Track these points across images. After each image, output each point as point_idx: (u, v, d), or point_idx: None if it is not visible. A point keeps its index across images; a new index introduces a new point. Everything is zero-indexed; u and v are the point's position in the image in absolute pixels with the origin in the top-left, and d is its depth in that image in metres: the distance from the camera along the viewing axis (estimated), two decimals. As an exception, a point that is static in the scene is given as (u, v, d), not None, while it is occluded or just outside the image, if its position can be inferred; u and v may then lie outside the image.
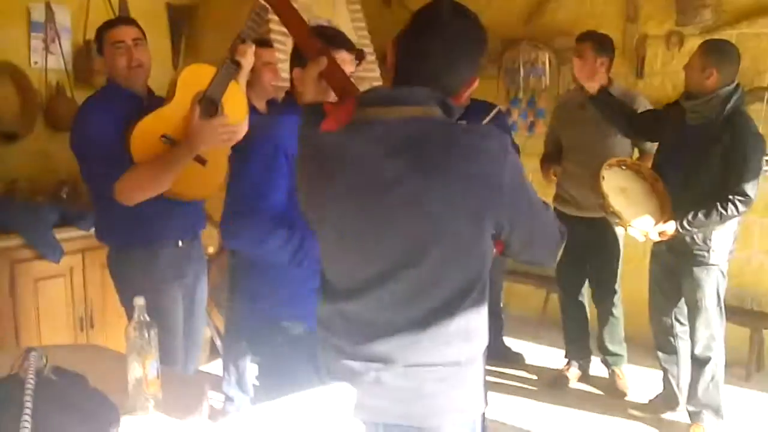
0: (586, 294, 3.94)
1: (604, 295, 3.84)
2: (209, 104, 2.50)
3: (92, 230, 2.96)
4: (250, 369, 3.04)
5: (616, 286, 3.82)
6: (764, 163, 3.80)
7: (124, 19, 2.72)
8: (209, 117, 2.49)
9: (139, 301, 1.75)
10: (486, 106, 3.92)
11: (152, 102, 2.61)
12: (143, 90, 2.64)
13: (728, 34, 4.09)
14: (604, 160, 3.22)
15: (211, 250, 3.56)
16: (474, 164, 1.36)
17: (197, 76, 2.52)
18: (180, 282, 2.70)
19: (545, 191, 4.42)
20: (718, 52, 3.08)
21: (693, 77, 3.11)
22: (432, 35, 1.42)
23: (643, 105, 3.60)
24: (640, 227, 3.03)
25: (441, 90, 1.43)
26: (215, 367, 3.79)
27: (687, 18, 4.12)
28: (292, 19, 1.72)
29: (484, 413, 1.59)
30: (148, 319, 1.73)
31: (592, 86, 3.42)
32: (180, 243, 2.68)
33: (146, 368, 1.70)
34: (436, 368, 1.46)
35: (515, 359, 4.25)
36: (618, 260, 3.78)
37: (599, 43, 3.51)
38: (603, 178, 3.08)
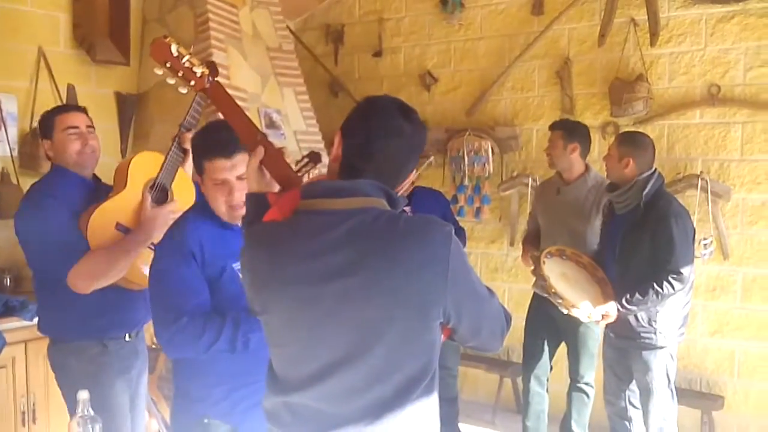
0: (546, 379, 3.93)
1: (581, 375, 3.78)
2: (160, 191, 2.53)
3: (35, 321, 2.85)
4: None
5: (591, 366, 3.77)
6: (702, 246, 4.00)
7: (74, 106, 2.73)
8: (160, 204, 2.50)
9: (83, 395, 1.70)
10: (431, 193, 4.03)
11: (100, 188, 2.61)
12: (90, 176, 2.63)
13: (660, 125, 4.34)
14: (578, 244, 3.33)
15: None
16: (418, 254, 1.38)
17: (146, 164, 2.55)
18: (127, 377, 2.62)
19: (527, 273, 4.50)
20: (633, 142, 3.29)
21: (612, 167, 3.31)
22: (382, 137, 1.45)
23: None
24: (583, 309, 3.09)
25: (385, 182, 1.46)
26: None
27: (620, 110, 4.34)
28: (230, 110, 1.74)
29: None
30: (92, 413, 1.68)
31: (568, 171, 3.66)
32: (128, 337, 2.62)
33: (90, 465, 1.63)
34: None
35: None
36: (595, 339, 3.72)
37: (569, 130, 3.71)
38: (544, 262, 3.17)
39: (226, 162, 1.98)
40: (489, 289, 1.54)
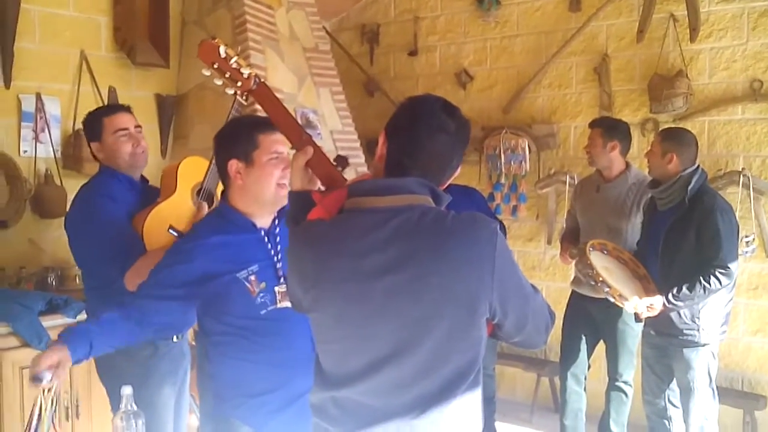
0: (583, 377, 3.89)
1: (617, 376, 3.74)
2: (207, 196, 2.53)
3: (78, 318, 2.91)
4: None
5: (630, 365, 3.72)
6: (744, 244, 3.93)
7: (120, 106, 2.70)
8: (209, 208, 2.50)
9: (127, 390, 1.74)
10: (465, 190, 4.03)
11: (148, 189, 2.64)
12: (139, 177, 2.66)
13: (700, 121, 4.26)
14: (618, 242, 3.34)
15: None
16: (465, 251, 1.40)
17: (193, 169, 2.56)
18: (174, 378, 2.64)
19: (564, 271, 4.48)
20: (676, 138, 3.26)
21: (655, 163, 3.28)
22: (426, 133, 1.47)
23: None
24: (629, 297, 3.06)
25: (431, 179, 1.48)
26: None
27: (660, 106, 4.28)
28: (276, 110, 1.76)
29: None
30: (135, 408, 1.71)
31: (608, 169, 3.65)
32: (175, 338, 2.64)
33: (134, 459, 1.67)
34: None
35: None
36: (635, 338, 3.67)
37: (609, 128, 3.69)
38: (590, 251, 3.16)
39: (279, 135, 1.95)
40: (533, 286, 1.55)
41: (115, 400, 2.53)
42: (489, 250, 1.41)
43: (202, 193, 2.53)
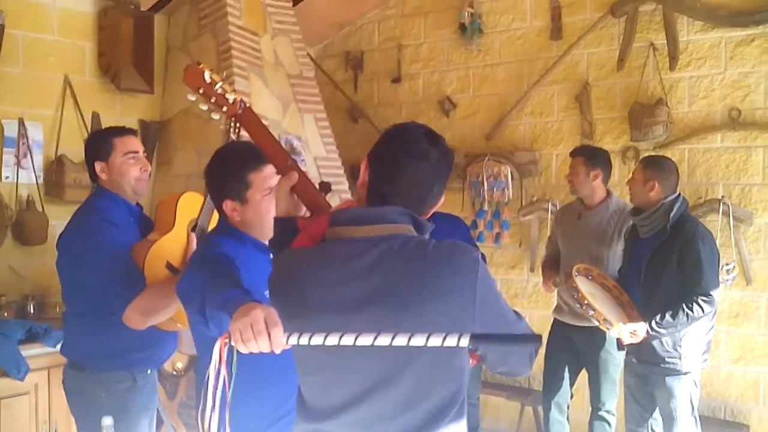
0: (566, 406, 3.89)
1: (599, 404, 3.75)
2: (201, 233, 2.47)
3: (58, 347, 2.85)
4: None
5: (612, 393, 3.73)
6: (725, 272, 3.96)
7: (130, 129, 2.62)
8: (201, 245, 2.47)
9: (107, 421, 1.71)
10: (449, 219, 4.04)
11: (143, 217, 2.61)
12: (136, 202, 2.60)
13: (680, 149, 4.31)
14: (599, 270, 3.38)
15: (179, 365, 3.50)
16: (446, 279, 1.39)
17: (190, 204, 2.51)
18: (150, 412, 2.60)
19: (547, 299, 4.48)
20: (657, 165, 3.30)
21: (637, 191, 3.32)
22: (406, 160, 1.47)
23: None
24: (614, 322, 3.07)
25: (413, 209, 1.48)
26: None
27: (640, 134, 4.33)
28: (261, 135, 1.76)
29: None
30: (116, 439, 1.69)
31: (590, 197, 3.71)
32: (149, 371, 2.60)
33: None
34: None
35: None
36: (617, 366, 3.70)
37: (591, 157, 3.73)
38: (575, 275, 3.17)
39: (269, 168, 1.94)
40: (517, 313, 1.54)
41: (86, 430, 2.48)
42: (471, 279, 1.40)
43: (196, 228, 2.47)
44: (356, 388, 1.43)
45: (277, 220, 1.69)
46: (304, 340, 1.31)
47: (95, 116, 4.23)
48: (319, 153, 4.73)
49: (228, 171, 2.02)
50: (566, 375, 3.79)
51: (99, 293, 2.34)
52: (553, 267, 3.90)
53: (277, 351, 1.34)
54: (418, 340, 1.25)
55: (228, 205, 2.02)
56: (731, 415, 4.19)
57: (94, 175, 2.56)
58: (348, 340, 1.27)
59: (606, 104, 4.60)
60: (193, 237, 2.45)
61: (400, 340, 1.26)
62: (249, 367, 1.76)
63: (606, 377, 3.70)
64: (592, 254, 3.65)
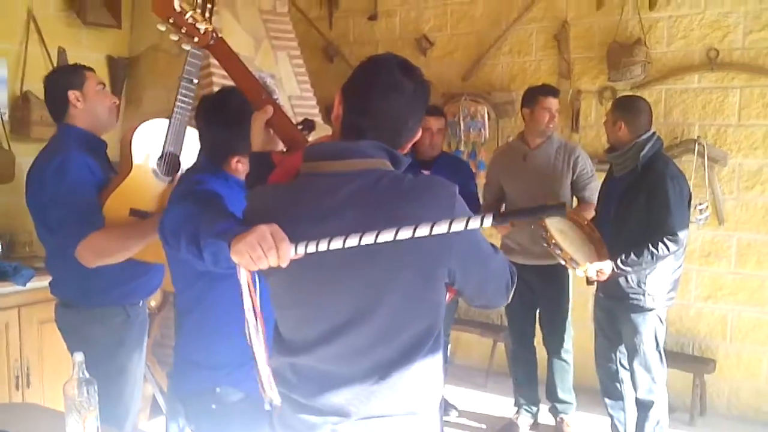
0: (535, 341, 3.97)
1: (557, 341, 3.86)
2: (170, 162, 2.39)
3: (30, 285, 2.81)
4: None
5: (567, 332, 3.86)
6: (698, 212, 4.01)
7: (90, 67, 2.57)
8: (174, 174, 2.38)
9: (78, 357, 1.69)
10: (455, 161, 4.03)
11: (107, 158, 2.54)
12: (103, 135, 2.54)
13: (657, 90, 4.30)
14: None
15: (153, 303, 3.48)
16: (422, 214, 1.35)
17: (150, 135, 2.40)
18: (142, 345, 2.60)
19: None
20: (625, 106, 3.33)
21: (608, 131, 3.38)
22: (382, 94, 1.43)
23: (582, 157, 3.74)
24: (580, 262, 3.10)
25: (389, 143, 1.44)
26: (158, 425, 3.66)
27: (618, 74, 4.30)
28: (235, 67, 1.71)
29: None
30: (87, 375, 1.67)
31: (534, 137, 3.77)
32: (141, 302, 2.58)
33: (86, 428, 1.63)
34: (393, 419, 1.44)
35: (446, 411, 4.21)
36: (568, 305, 3.83)
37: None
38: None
39: None
40: (493, 246, 1.54)
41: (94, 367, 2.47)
42: (447, 213, 1.36)
43: (165, 158, 2.39)
44: (332, 322, 1.42)
45: (252, 155, 1.66)
46: (311, 248, 1.32)
47: (61, 52, 4.09)
48: (293, 92, 4.64)
49: (240, 127, 1.87)
50: (525, 314, 3.84)
51: (71, 227, 2.28)
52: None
53: (284, 264, 1.33)
54: (423, 231, 1.27)
55: (235, 159, 1.99)
56: (699, 351, 4.30)
57: (59, 112, 2.48)
58: (353, 240, 1.29)
59: (584, 44, 4.55)
60: (161, 175, 2.37)
61: (405, 233, 1.27)
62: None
63: (560, 316, 3.80)
64: (547, 192, 3.66)
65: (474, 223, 1.27)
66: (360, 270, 1.39)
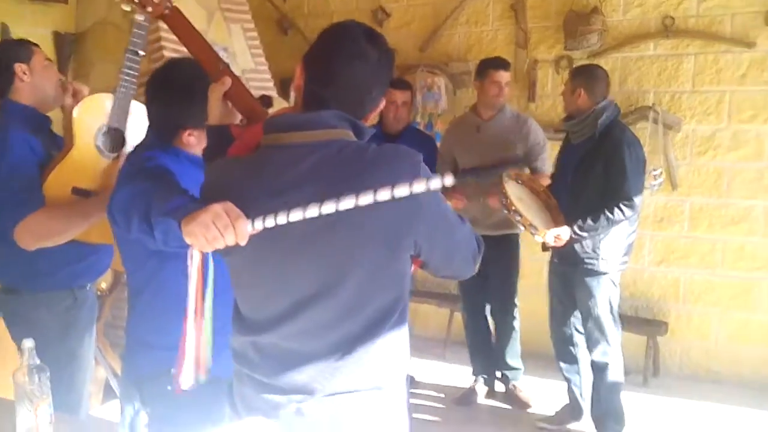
0: (488, 310, 4.03)
1: (505, 310, 3.92)
2: (114, 137, 2.31)
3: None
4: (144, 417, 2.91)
5: (516, 300, 3.92)
6: (652, 177, 4.07)
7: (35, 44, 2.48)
8: (119, 151, 2.30)
9: (28, 344, 1.64)
10: (421, 135, 4.01)
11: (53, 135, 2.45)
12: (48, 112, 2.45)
13: (613, 58, 4.33)
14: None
15: (103, 285, 3.41)
16: (388, 183, 1.31)
17: (94, 109, 2.31)
18: (91, 328, 2.53)
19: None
20: (584, 74, 3.36)
21: (566, 100, 3.40)
22: (345, 62, 1.39)
23: (534, 128, 3.76)
24: (539, 227, 3.14)
25: (352, 113, 1.41)
26: (112, 409, 3.61)
27: (574, 43, 4.32)
28: (191, 37, 1.66)
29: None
30: (38, 362, 1.63)
31: (487, 109, 3.76)
32: (89, 285, 2.50)
33: (38, 416, 1.59)
34: (358, 394, 1.42)
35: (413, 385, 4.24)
36: (516, 275, 3.90)
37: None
38: (505, 181, 3.21)
39: None
40: (459, 216, 1.51)
41: (44, 353, 2.41)
42: (412, 181, 1.34)
43: (110, 135, 2.30)
44: (296, 298, 1.39)
45: (210, 128, 1.61)
46: (270, 222, 1.27)
47: (4, 27, 3.96)
48: (247, 65, 4.55)
49: (189, 100, 1.85)
50: (477, 285, 3.86)
51: (11, 208, 2.18)
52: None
53: (243, 242, 1.29)
54: (384, 194, 1.24)
55: (186, 133, 1.91)
56: (652, 314, 4.40)
57: (3, 86, 2.35)
58: (313, 211, 1.25)
59: (541, 13, 4.55)
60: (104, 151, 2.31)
61: (366, 198, 1.24)
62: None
63: (508, 283, 3.86)
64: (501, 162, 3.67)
65: (435, 183, 1.24)
66: (324, 244, 1.36)
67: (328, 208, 1.24)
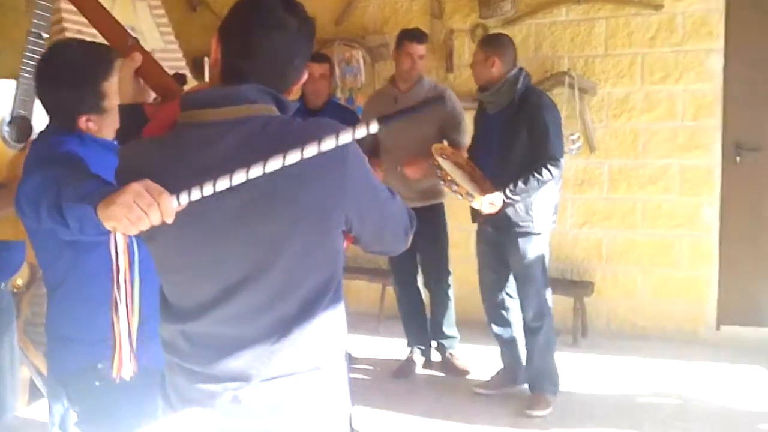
0: (420, 281, 4.04)
1: (439, 279, 3.95)
2: (20, 126, 2.19)
3: None
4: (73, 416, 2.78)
5: (449, 268, 3.95)
6: (570, 142, 4.15)
7: None
8: (26, 140, 2.17)
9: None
10: (343, 110, 3.94)
11: None
12: None
13: (527, 24, 4.37)
14: (421, 152, 3.39)
15: (19, 282, 3.23)
16: (314, 159, 1.26)
17: None
18: (9, 330, 2.41)
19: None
20: (495, 42, 3.40)
21: (479, 71, 3.40)
22: (264, 33, 1.32)
23: (452, 98, 3.76)
24: (475, 195, 3.16)
25: (274, 86, 1.35)
26: (39, 410, 3.44)
27: (489, 11, 4.34)
28: (95, 12, 1.55)
29: (350, 416, 1.52)
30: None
31: (405, 80, 3.78)
32: (2, 284, 2.37)
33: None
34: (297, 377, 1.38)
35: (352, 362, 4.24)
36: (447, 244, 3.94)
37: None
38: (435, 154, 3.22)
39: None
40: (390, 190, 1.48)
41: None
42: (340, 156, 1.30)
43: (14, 124, 2.18)
44: (227, 281, 1.33)
45: (121, 108, 1.52)
46: (195, 195, 1.19)
47: None
48: (156, 45, 4.36)
49: (78, 85, 1.77)
50: (406, 257, 3.86)
51: None
52: (375, 156, 3.89)
53: (170, 219, 1.20)
54: (311, 150, 1.19)
55: (83, 119, 1.80)
56: (578, 275, 4.51)
57: None
58: (240, 176, 1.18)
59: (454, -18, 4.54)
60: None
61: (293, 157, 1.19)
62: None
63: (439, 254, 3.90)
64: (421, 135, 3.64)
65: (360, 132, 1.20)
66: (254, 224, 1.30)
67: (256, 171, 1.18)
